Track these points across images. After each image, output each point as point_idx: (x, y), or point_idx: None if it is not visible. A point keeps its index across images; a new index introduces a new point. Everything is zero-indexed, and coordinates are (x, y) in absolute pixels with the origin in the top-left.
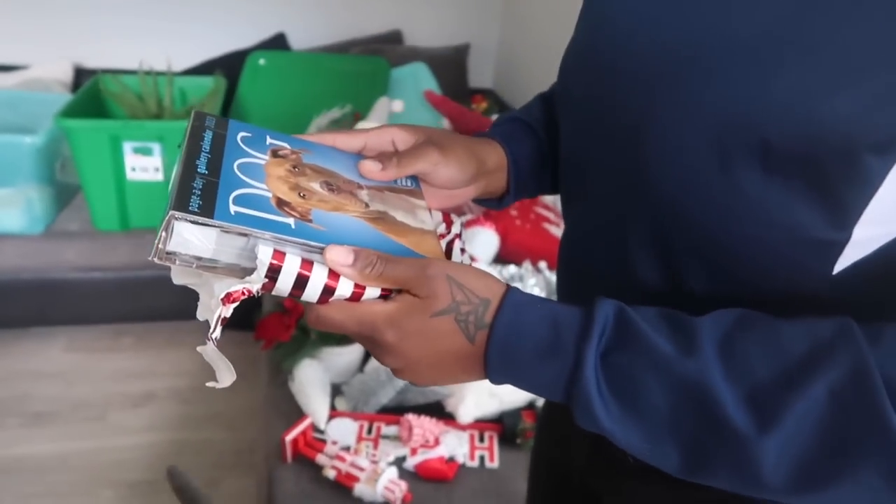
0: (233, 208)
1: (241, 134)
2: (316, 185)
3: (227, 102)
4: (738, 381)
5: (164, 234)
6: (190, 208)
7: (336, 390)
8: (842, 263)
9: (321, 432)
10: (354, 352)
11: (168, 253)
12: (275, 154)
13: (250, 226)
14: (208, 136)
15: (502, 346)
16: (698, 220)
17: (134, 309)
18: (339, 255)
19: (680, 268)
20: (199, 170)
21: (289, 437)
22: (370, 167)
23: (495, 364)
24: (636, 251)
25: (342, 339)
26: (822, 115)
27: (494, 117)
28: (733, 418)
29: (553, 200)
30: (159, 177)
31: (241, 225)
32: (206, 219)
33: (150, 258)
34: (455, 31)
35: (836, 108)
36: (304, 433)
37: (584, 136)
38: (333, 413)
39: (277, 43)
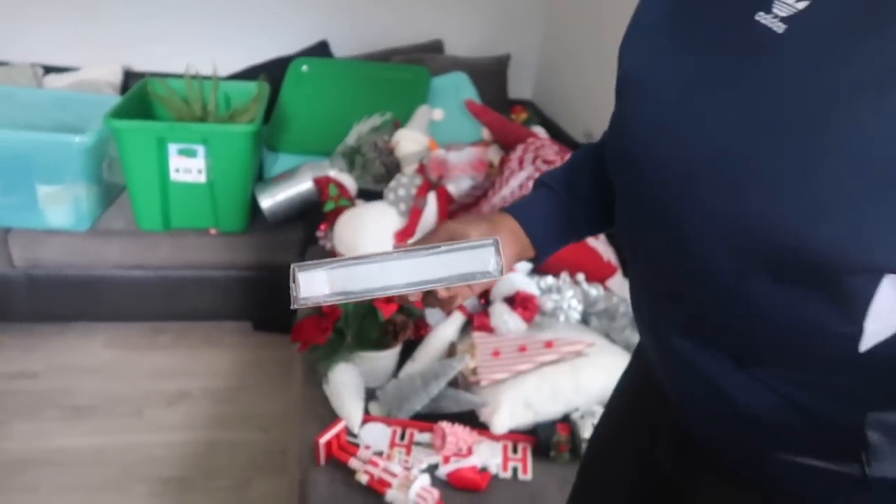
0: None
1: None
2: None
3: (269, 108)
4: None
5: (292, 285)
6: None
7: (370, 395)
8: (864, 346)
9: (354, 436)
10: (390, 357)
11: (302, 299)
12: None
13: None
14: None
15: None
16: (726, 309)
17: (172, 308)
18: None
19: (711, 347)
20: None
21: (322, 440)
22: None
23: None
24: (669, 319)
25: (378, 344)
26: (804, 243)
27: (535, 127)
28: None
29: None
30: (202, 178)
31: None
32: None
33: (292, 307)
34: (496, 42)
35: (814, 237)
36: (337, 436)
37: (627, 201)
38: (367, 417)
39: (320, 50)
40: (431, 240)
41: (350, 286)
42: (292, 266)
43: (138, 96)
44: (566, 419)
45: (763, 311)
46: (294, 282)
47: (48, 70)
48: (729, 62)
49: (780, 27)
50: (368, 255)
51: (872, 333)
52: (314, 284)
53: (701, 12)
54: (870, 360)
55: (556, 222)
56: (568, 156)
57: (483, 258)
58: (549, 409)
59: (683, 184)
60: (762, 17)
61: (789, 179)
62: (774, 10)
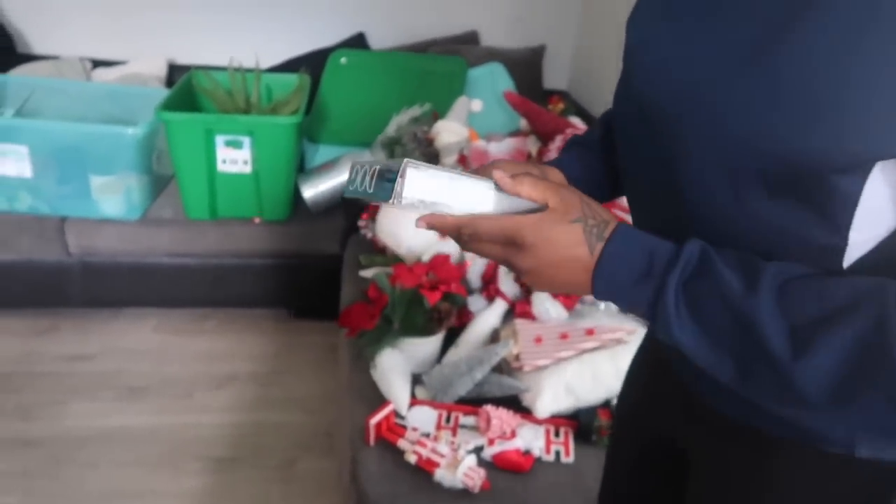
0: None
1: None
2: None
3: (309, 100)
4: (785, 318)
5: (399, 180)
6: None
7: (416, 380)
8: (847, 261)
9: (402, 418)
10: (433, 343)
11: (404, 197)
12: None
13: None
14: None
15: (609, 262)
16: (722, 234)
17: (218, 294)
18: (512, 163)
19: None
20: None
21: (373, 421)
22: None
23: (601, 276)
24: None
25: (423, 330)
26: (797, 149)
27: (572, 118)
28: (774, 346)
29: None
30: (247, 169)
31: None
32: (433, 167)
33: (390, 202)
34: (531, 33)
35: (806, 143)
36: (386, 418)
37: (632, 157)
38: (414, 401)
39: (358, 42)
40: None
41: (443, 198)
42: (405, 161)
43: (185, 89)
44: (607, 405)
45: (757, 227)
46: (402, 177)
47: (96, 64)
48: (716, 6)
49: None
50: (471, 173)
51: (855, 245)
52: (416, 185)
53: None
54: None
55: (598, 174)
56: None
57: None
58: (590, 395)
59: (681, 118)
60: None
61: (774, 90)
62: None
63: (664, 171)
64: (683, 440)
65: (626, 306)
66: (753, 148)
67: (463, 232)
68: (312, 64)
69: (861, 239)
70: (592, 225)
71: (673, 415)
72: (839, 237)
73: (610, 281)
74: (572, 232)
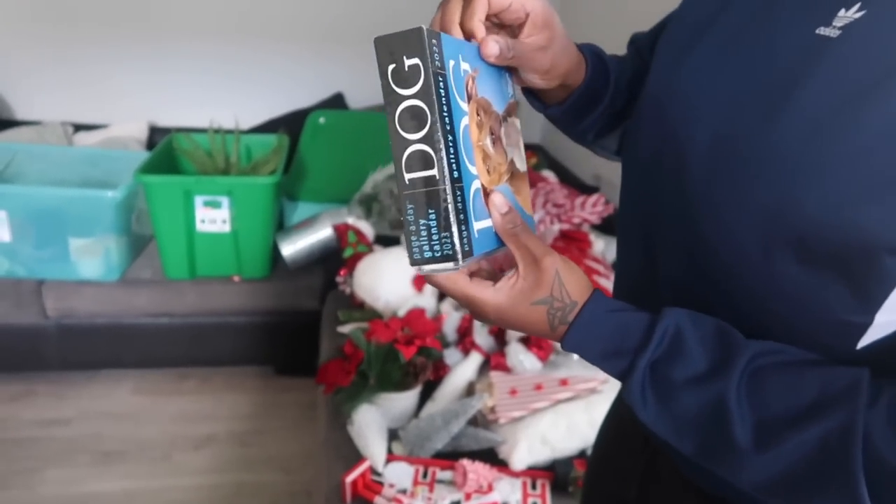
0: (475, 231)
1: (451, 62)
2: (489, 144)
3: (288, 159)
4: (752, 411)
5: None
6: (464, 253)
7: (392, 435)
8: (864, 341)
9: (379, 475)
10: (410, 397)
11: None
12: (468, 96)
13: (485, 251)
14: (438, 81)
15: (574, 344)
16: (738, 295)
17: (197, 353)
18: (500, 202)
19: None
20: (456, 186)
21: (349, 479)
22: (490, 49)
23: (567, 349)
24: (672, 298)
25: (399, 385)
26: (849, 223)
27: (544, 171)
28: (739, 437)
29: (602, 252)
30: (226, 228)
31: (478, 255)
32: (465, 260)
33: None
34: None
35: (861, 218)
36: (363, 475)
37: (641, 205)
38: (390, 457)
39: (336, 102)
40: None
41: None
42: (458, 264)
43: (165, 151)
44: (583, 454)
45: (779, 291)
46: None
47: (78, 128)
48: (782, 61)
49: (835, 33)
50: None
51: (878, 326)
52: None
53: (751, 18)
54: (861, 360)
55: (606, 60)
56: (578, 199)
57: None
58: (565, 446)
59: (719, 168)
60: (822, 30)
61: (839, 163)
62: (833, 23)
63: (681, 224)
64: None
65: (597, 367)
66: (795, 212)
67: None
68: (291, 124)
69: (886, 320)
70: (557, 308)
71: (632, 475)
72: (866, 315)
73: (576, 351)
74: (533, 313)
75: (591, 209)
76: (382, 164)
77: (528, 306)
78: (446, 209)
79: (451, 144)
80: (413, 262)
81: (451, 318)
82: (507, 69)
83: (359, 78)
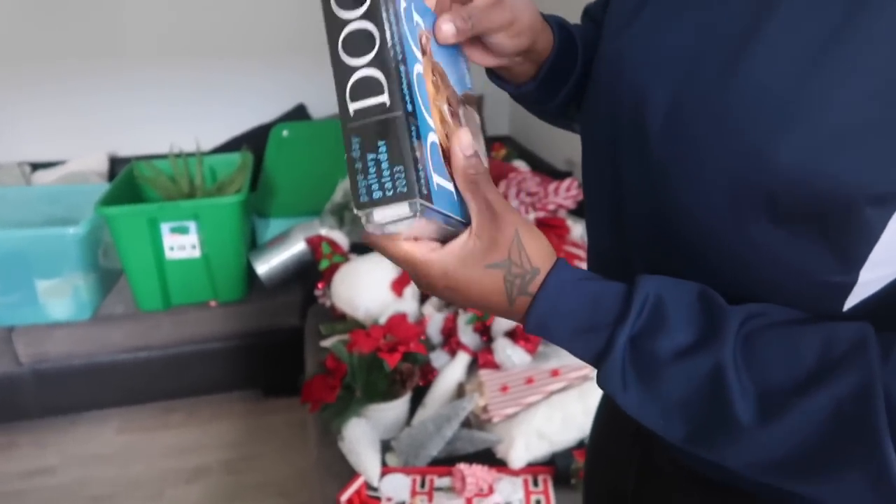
0: (434, 183)
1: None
2: (447, 112)
3: (255, 176)
4: (752, 379)
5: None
6: (421, 194)
7: (385, 446)
8: (850, 301)
9: (375, 490)
10: (400, 406)
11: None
12: (423, 51)
13: (444, 210)
14: (388, 4)
15: (540, 320)
16: (714, 262)
17: (180, 385)
18: (466, 142)
19: None
20: (410, 120)
21: (344, 497)
22: (445, 32)
23: (531, 328)
24: (646, 272)
25: (387, 395)
26: (825, 174)
27: (515, 162)
28: (740, 411)
29: (581, 237)
30: (196, 253)
31: (441, 211)
32: (428, 206)
33: (363, 221)
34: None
35: (838, 167)
36: (358, 492)
37: (607, 177)
38: (385, 469)
39: (298, 114)
40: None
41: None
42: (418, 202)
43: (126, 181)
44: (582, 445)
45: (754, 258)
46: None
47: (35, 167)
48: (737, 6)
49: None
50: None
51: (864, 284)
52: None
53: None
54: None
55: (570, 28)
56: (551, 185)
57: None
58: (563, 438)
59: (680, 129)
60: None
61: (807, 111)
62: None
63: (648, 192)
64: (636, 497)
65: (567, 350)
66: (764, 168)
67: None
68: (255, 140)
69: (871, 278)
70: (516, 275)
71: (628, 465)
72: (849, 274)
73: (542, 332)
74: (487, 278)
75: (566, 194)
76: None
77: (481, 269)
78: (400, 138)
79: (402, 77)
80: (360, 206)
81: (435, 320)
82: (463, 55)
83: (319, 87)
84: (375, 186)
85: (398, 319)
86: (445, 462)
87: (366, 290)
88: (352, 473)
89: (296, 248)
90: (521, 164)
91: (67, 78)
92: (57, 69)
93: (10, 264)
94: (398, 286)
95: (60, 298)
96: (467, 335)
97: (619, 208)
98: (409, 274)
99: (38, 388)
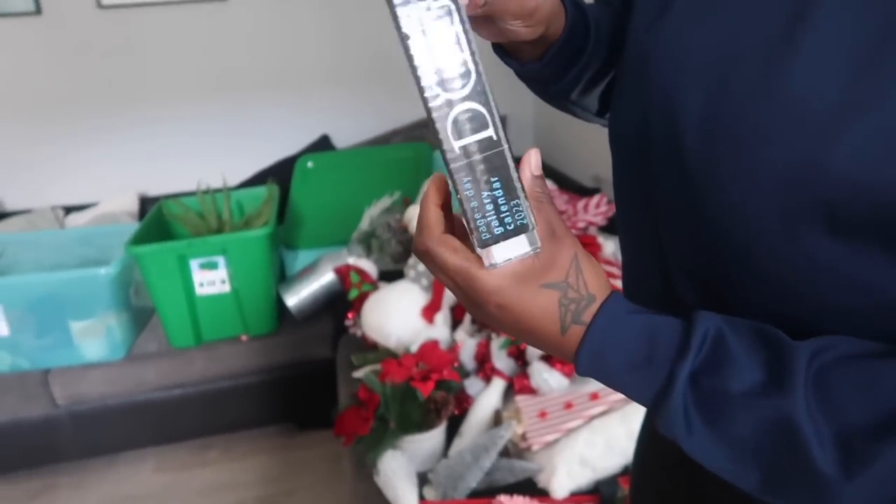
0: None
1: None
2: None
3: (282, 208)
4: (829, 423)
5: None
6: (531, 228)
7: (423, 479)
8: None
9: None
10: (436, 436)
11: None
12: None
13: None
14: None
15: (594, 353)
16: (766, 282)
17: (216, 421)
18: (535, 161)
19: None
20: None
21: None
22: None
23: (584, 365)
24: (694, 298)
25: (422, 425)
26: (884, 180)
27: None
28: (818, 459)
29: (613, 254)
30: (226, 288)
31: None
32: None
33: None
34: None
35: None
36: None
37: (641, 192)
38: (423, 503)
39: (322, 145)
40: None
41: None
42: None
43: (155, 220)
44: (627, 471)
45: (811, 274)
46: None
47: (68, 210)
48: (774, 6)
49: None
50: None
51: None
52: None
53: None
54: None
55: (583, 6)
56: (579, 202)
57: None
58: (607, 464)
59: (723, 135)
60: None
61: (860, 115)
62: None
63: (686, 205)
64: None
65: (622, 393)
66: (818, 175)
67: (417, 241)
68: (280, 172)
69: None
70: (571, 300)
71: (675, 497)
72: None
73: (596, 370)
74: (542, 299)
75: (595, 210)
76: (376, 199)
77: (536, 288)
78: (511, 171)
79: (494, 106)
80: (482, 244)
81: (467, 346)
82: None
83: (342, 118)
84: (495, 223)
85: (430, 346)
86: (485, 493)
87: (396, 317)
88: None
89: (324, 278)
90: (547, 183)
91: (96, 121)
92: (85, 113)
93: (44, 308)
94: (429, 313)
95: (94, 339)
96: (502, 360)
97: (655, 222)
98: (459, 290)
99: (75, 429)
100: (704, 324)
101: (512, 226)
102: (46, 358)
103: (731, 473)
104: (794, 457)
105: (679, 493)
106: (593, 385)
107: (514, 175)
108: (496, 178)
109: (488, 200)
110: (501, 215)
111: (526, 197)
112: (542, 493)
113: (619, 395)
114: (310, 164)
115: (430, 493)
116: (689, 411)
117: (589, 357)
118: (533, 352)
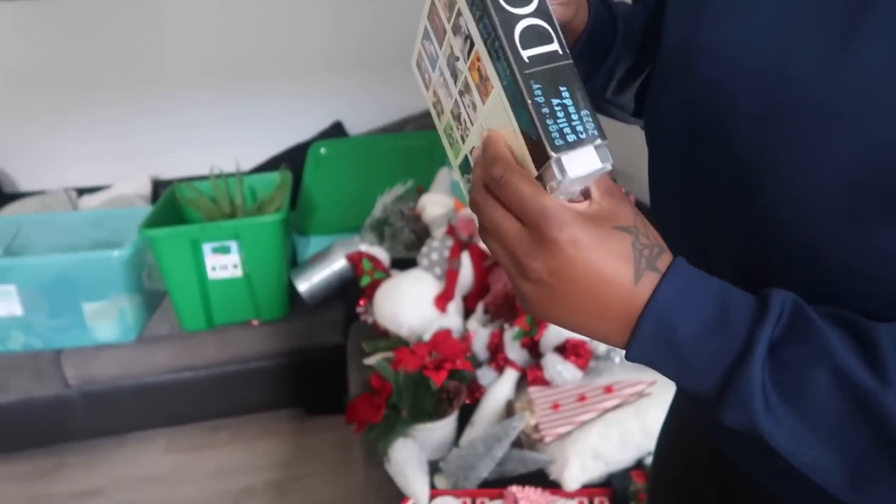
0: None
1: None
2: None
3: (294, 194)
4: None
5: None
6: (603, 139)
7: (434, 468)
8: None
9: None
10: (447, 426)
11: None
12: None
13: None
14: None
15: (667, 305)
16: (826, 277)
17: (226, 404)
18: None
19: None
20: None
21: None
22: None
23: (652, 321)
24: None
25: (434, 414)
26: None
27: None
28: None
29: None
30: (238, 273)
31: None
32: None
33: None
34: None
35: None
36: None
37: (682, 183)
38: (434, 492)
39: (335, 131)
40: None
41: None
42: (553, 157)
43: (168, 203)
44: (640, 465)
45: (877, 270)
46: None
47: (82, 192)
48: None
49: None
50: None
51: None
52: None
53: None
54: None
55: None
56: None
57: None
58: (620, 457)
59: (781, 120)
60: None
61: None
62: None
63: (736, 199)
64: None
65: (681, 374)
66: (891, 161)
67: (489, 172)
68: (293, 158)
69: None
70: (644, 245)
71: (704, 496)
72: None
73: (660, 335)
74: (615, 240)
75: None
76: (389, 187)
77: (609, 229)
78: (578, 83)
79: (557, 23)
80: (555, 150)
81: (480, 336)
82: None
83: (356, 104)
84: (567, 129)
85: (443, 336)
86: (496, 484)
87: (409, 305)
88: (400, 496)
89: (336, 264)
90: None
91: (110, 104)
92: (99, 96)
93: (57, 289)
94: (441, 301)
95: (107, 320)
96: (515, 351)
97: (701, 219)
98: (522, 236)
99: (86, 409)
100: (782, 293)
101: (584, 134)
102: (59, 338)
103: (809, 460)
104: (886, 440)
105: (709, 492)
106: (606, 378)
107: (583, 89)
108: (564, 88)
109: (559, 108)
110: (573, 123)
111: (594, 111)
112: (554, 485)
113: (633, 389)
114: (323, 151)
115: (441, 482)
116: (765, 384)
117: (659, 312)
118: (546, 343)
